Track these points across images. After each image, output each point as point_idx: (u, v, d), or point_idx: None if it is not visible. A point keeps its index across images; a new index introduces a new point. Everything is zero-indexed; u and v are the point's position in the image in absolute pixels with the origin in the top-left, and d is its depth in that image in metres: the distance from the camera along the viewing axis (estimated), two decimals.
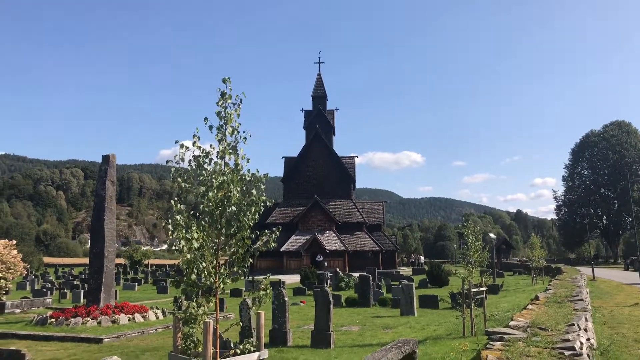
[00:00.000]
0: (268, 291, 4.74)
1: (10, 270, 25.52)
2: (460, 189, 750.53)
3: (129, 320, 17.89)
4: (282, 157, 67.38)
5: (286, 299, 15.20)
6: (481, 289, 14.48)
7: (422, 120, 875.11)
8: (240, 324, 12.11)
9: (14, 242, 27.26)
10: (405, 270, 58.66)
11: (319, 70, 69.60)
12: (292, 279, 39.99)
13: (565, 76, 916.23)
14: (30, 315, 20.49)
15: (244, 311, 14.49)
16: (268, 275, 5.21)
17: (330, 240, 58.30)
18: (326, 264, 54.32)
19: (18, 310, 22.97)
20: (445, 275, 36.55)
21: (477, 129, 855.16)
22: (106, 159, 20.05)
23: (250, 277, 36.76)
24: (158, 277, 51.71)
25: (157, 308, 20.00)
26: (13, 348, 11.03)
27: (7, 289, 27.40)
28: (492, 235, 40.91)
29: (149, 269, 61.37)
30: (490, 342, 7.40)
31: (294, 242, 57.70)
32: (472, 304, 13.58)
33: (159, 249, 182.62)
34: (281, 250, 55.94)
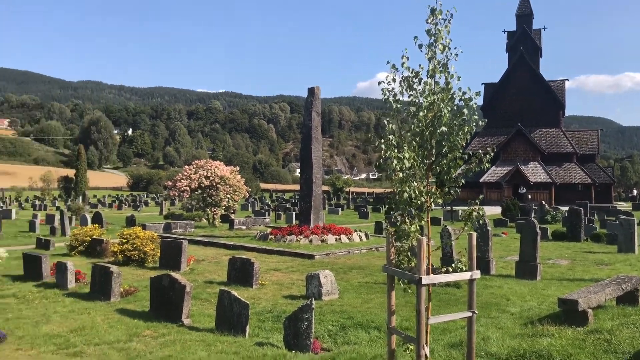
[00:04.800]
0: (481, 212, 4.68)
1: (237, 193, 29.24)
2: None
3: (335, 240, 19.33)
4: (482, 83, 63.83)
5: (489, 228, 14.87)
6: None
7: None
8: (448, 246, 12.23)
9: (238, 168, 31.00)
10: (624, 206, 52.56)
11: None
12: (492, 211, 38.74)
13: None
14: (253, 231, 23.41)
15: (445, 238, 14.59)
16: (480, 197, 5.12)
17: (535, 172, 54.61)
18: (529, 196, 51.32)
19: (244, 227, 26.40)
20: None
21: None
22: (312, 91, 21.22)
23: (449, 207, 36.61)
24: (359, 203, 54.47)
25: (360, 231, 21.21)
26: (244, 257, 12.85)
27: (234, 209, 31.58)
28: None
29: (350, 196, 64.88)
30: None
31: (495, 173, 55.36)
32: None
33: (358, 178, 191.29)
34: (480, 181, 54.18)
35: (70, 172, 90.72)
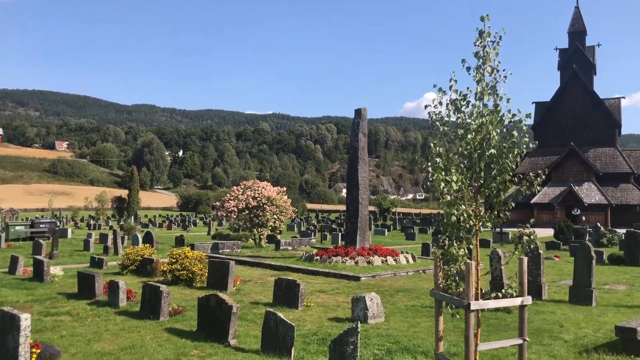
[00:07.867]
0: (532, 237, 4.55)
1: (283, 213, 29.45)
2: None
3: (382, 262, 19.12)
4: (532, 102, 62.43)
5: (540, 251, 14.41)
6: None
7: None
8: (502, 269, 11.90)
9: (284, 189, 31.27)
10: None
11: (577, 2, 61.71)
12: (544, 233, 37.51)
13: None
14: (299, 252, 23.45)
15: (494, 261, 14.20)
16: (532, 220, 4.99)
17: (589, 193, 52.64)
18: (584, 218, 49.43)
19: (290, 248, 26.51)
20: None
21: None
22: (358, 112, 21.30)
23: (499, 229, 35.69)
24: (406, 224, 53.83)
25: (407, 253, 20.93)
26: (290, 278, 12.88)
27: (280, 229, 31.78)
28: None
29: (397, 217, 64.24)
30: None
31: (546, 194, 53.71)
32: None
33: (404, 198, 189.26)
34: (531, 202, 52.62)
35: (124, 193, 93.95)
